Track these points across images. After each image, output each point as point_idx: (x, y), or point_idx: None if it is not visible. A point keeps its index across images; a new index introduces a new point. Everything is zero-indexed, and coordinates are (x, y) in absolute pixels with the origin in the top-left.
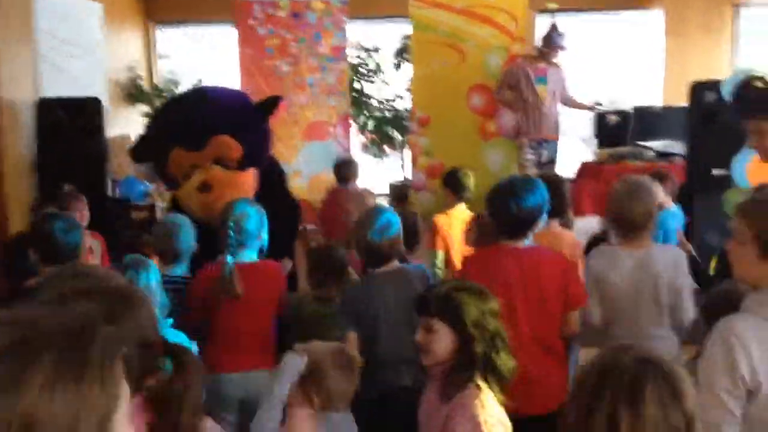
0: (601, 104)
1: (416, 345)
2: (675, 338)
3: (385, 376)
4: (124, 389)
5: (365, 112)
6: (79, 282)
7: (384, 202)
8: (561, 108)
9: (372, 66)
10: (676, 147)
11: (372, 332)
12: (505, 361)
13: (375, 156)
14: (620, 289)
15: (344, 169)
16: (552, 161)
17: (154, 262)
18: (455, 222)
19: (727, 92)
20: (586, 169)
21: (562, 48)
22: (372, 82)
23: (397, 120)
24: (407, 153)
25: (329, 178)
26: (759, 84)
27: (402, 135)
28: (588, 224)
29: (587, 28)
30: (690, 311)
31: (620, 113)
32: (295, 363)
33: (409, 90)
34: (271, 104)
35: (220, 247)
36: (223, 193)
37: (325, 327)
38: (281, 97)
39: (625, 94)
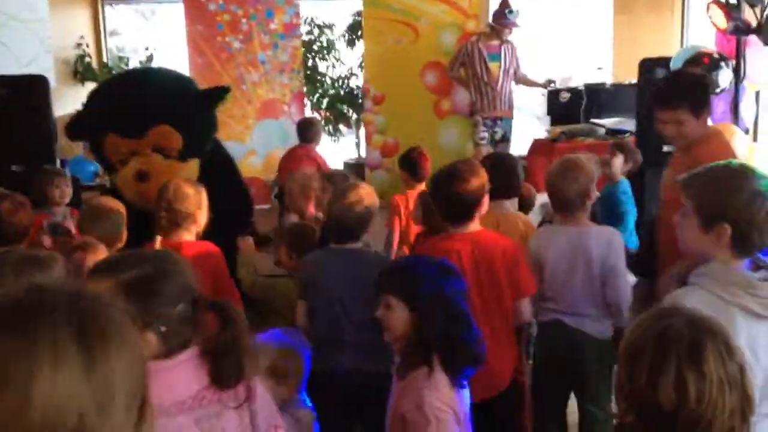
0: (553, 82)
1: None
2: (601, 325)
3: (320, 355)
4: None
5: (319, 90)
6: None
7: None
8: (514, 86)
9: (325, 43)
10: (628, 124)
11: (315, 306)
12: (467, 344)
13: (329, 134)
14: (555, 267)
15: (306, 129)
16: (506, 139)
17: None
18: (413, 202)
19: (676, 68)
20: (538, 146)
21: (514, 25)
22: (325, 59)
23: (352, 98)
24: (362, 131)
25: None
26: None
27: (357, 113)
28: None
29: (539, 6)
30: (624, 291)
31: (572, 91)
32: None
33: (362, 67)
34: (218, 95)
35: (154, 229)
36: (159, 183)
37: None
38: (229, 88)
39: (577, 72)
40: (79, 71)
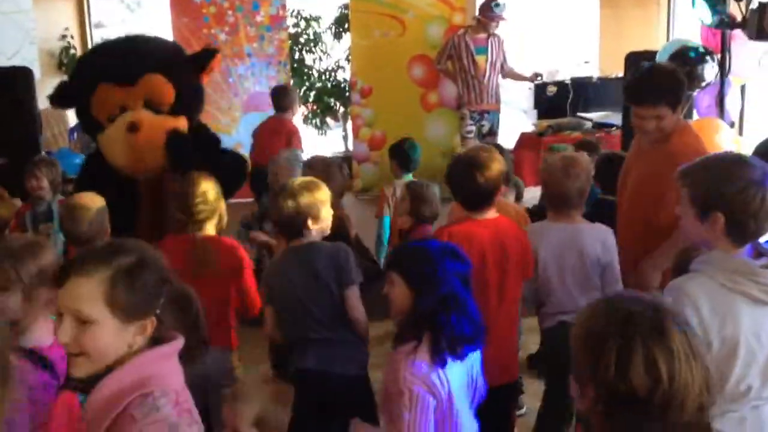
0: (540, 75)
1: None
2: None
3: (292, 356)
4: None
5: (306, 82)
6: None
7: None
8: (501, 80)
9: (311, 36)
10: (614, 117)
11: (280, 309)
12: (454, 326)
13: (317, 128)
14: (546, 263)
15: (279, 97)
16: (492, 132)
17: None
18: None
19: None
20: (525, 140)
21: (501, 18)
22: (312, 52)
23: (339, 91)
24: (349, 124)
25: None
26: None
27: (344, 106)
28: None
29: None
30: (618, 288)
31: (558, 84)
32: None
33: (349, 60)
34: (204, 57)
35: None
36: (153, 135)
37: None
38: (217, 51)
39: (564, 65)
40: (64, 63)
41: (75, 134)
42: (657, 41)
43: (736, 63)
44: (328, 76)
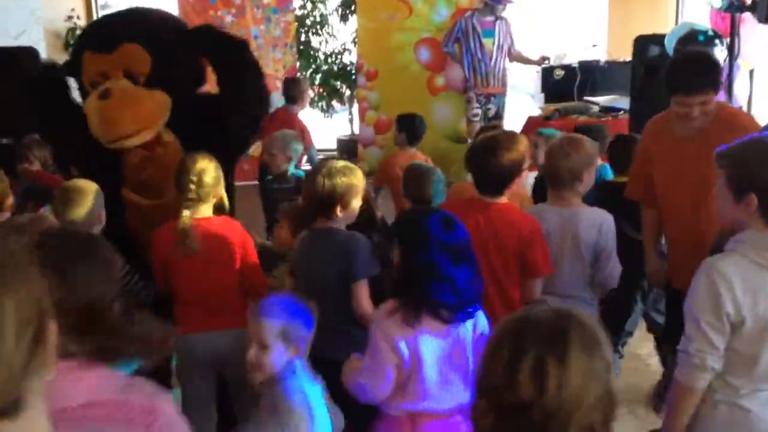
0: (547, 59)
1: None
2: (592, 301)
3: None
4: None
5: (312, 65)
6: None
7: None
8: (508, 63)
9: (318, 18)
10: (622, 101)
11: (301, 287)
12: (425, 293)
13: (322, 111)
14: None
15: (290, 88)
16: (498, 116)
17: None
18: (404, 162)
19: (670, 46)
20: (532, 124)
21: (508, 1)
22: (318, 34)
23: (345, 74)
24: (355, 107)
25: None
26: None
27: (350, 89)
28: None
29: None
30: (612, 275)
31: (566, 68)
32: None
33: (355, 43)
34: (197, 34)
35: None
36: (122, 103)
37: None
38: (215, 26)
39: (571, 49)
40: (70, 44)
41: None
42: (665, 25)
43: (745, 47)
44: (334, 59)
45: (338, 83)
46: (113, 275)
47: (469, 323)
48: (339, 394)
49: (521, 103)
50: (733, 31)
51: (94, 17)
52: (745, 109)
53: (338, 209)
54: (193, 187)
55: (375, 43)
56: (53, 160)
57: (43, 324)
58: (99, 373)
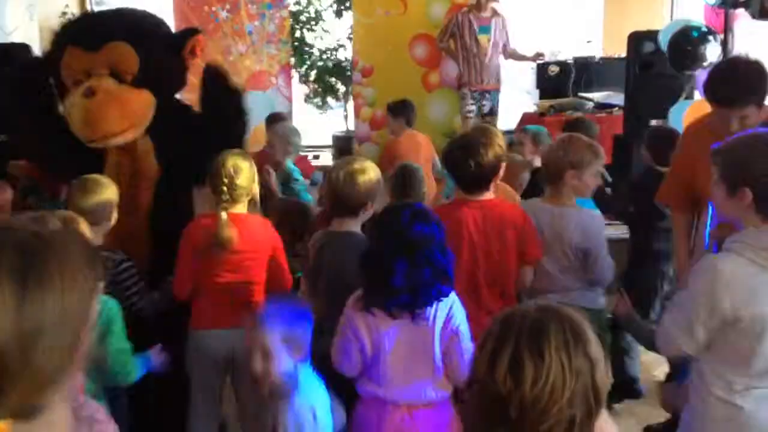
0: (542, 55)
1: None
2: (594, 290)
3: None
4: None
5: (307, 61)
6: None
7: (328, 154)
8: (503, 60)
9: (312, 13)
10: (616, 98)
11: (316, 287)
12: (379, 284)
13: (318, 107)
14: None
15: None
16: (493, 112)
17: None
18: (409, 144)
19: (664, 42)
20: (527, 120)
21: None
22: (313, 30)
23: (340, 70)
24: (351, 104)
25: None
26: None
27: (345, 85)
28: None
29: None
30: (602, 274)
31: (561, 64)
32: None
33: (350, 39)
34: (182, 37)
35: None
36: (107, 101)
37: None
38: (199, 31)
39: (566, 45)
40: None
41: None
42: (660, 21)
43: (739, 43)
44: (329, 55)
45: (333, 79)
46: None
47: (441, 316)
48: (344, 389)
49: (516, 99)
50: (727, 27)
51: None
52: None
53: (362, 211)
54: (225, 188)
55: (370, 39)
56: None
57: (78, 333)
58: None
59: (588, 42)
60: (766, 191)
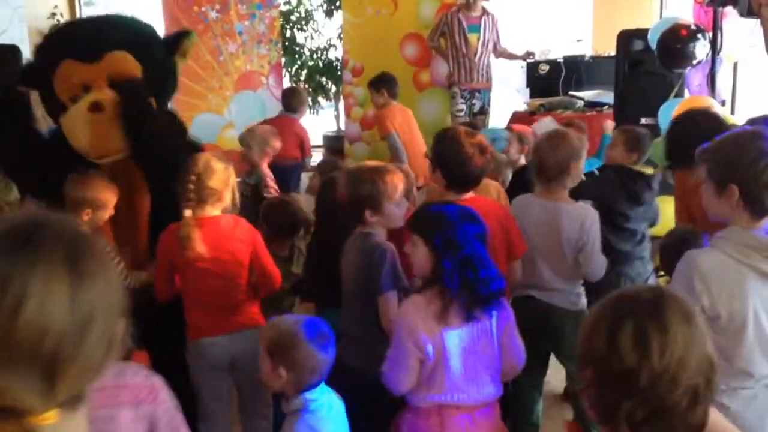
0: (532, 54)
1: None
2: (578, 292)
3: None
4: None
5: (298, 61)
6: None
7: (318, 154)
8: (494, 59)
9: (303, 13)
10: (606, 96)
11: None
12: (475, 284)
13: (309, 107)
14: (528, 238)
15: (289, 98)
16: (484, 111)
17: None
18: (398, 113)
19: (653, 40)
20: (517, 118)
21: None
22: (303, 30)
23: (331, 70)
24: (341, 104)
25: None
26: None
27: (336, 85)
28: None
29: None
30: (595, 270)
31: (551, 63)
32: None
33: (341, 38)
34: (176, 39)
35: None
36: (115, 117)
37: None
38: (191, 33)
39: (556, 44)
40: None
41: None
42: (649, 19)
43: (728, 41)
44: (319, 55)
45: (324, 79)
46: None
47: (494, 316)
48: (354, 399)
49: (506, 98)
50: (716, 25)
51: (78, 15)
52: (728, 103)
53: (368, 214)
54: (192, 186)
55: (360, 39)
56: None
57: (117, 323)
58: None
59: (578, 41)
60: (754, 188)
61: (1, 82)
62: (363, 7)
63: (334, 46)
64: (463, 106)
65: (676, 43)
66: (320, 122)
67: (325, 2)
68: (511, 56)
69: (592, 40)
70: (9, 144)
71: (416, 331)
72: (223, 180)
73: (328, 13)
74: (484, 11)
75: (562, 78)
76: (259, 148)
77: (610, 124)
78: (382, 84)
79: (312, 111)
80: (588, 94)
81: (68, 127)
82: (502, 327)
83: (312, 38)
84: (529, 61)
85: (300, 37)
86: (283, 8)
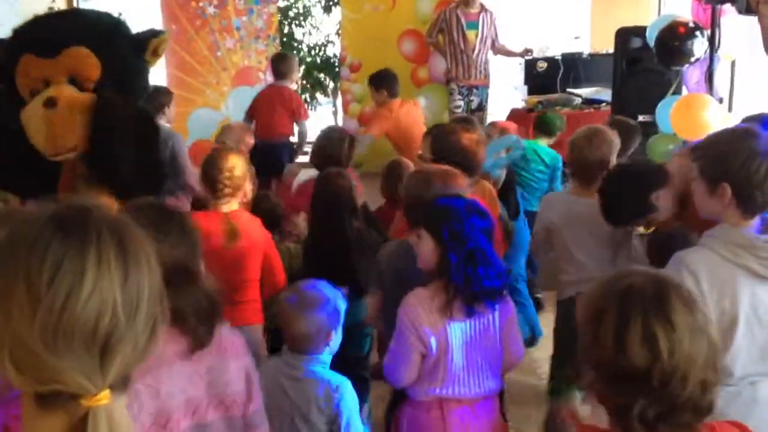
0: (530, 51)
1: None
2: None
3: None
4: None
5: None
6: None
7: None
8: (492, 55)
9: (301, 9)
10: (604, 93)
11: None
12: (479, 279)
13: (306, 103)
14: (566, 236)
15: (279, 63)
16: (481, 108)
17: None
18: (401, 111)
19: (652, 38)
20: (515, 115)
21: None
22: (301, 26)
23: (329, 66)
24: (339, 100)
25: None
26: None
27: (334, 81)
28: None
29: None
30: (632, 261)
31: (549, 60)
32: None
33: (339, 34)
34: (144, 38)
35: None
36: (70, 113)
37: None
38: (162, 32)
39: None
40: None
41: None
42: (648, 17)
43: (726, 39)
44: (317, 51)
45: (322, 75)
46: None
47: (496, 310)
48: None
49: (504, 95)
50: (714, 23)
51: None
52: (726, 100)
53: None
54: (227, 182)
55: (359, 35)
56: None
57: (163, 305)
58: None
59: (576, 38)
60: (746, 187)
61: None
62: (361, 4)
63: (332, 42)
64: (461, 103)
65: (674, 40)
66: (318, 119)
67: None
68: (509, 53)
69: (590, 38)
70: None
71: (420, 325)
72: (245, 172)
73: (326, 9)
74: (483, 8)
75: (560, 75)
76: (235, 145)
77: None
78: (383, 83)
79: (310, 107)
80: (586, 92)
81: (26, 123)
82: (503, 322)
83: (310, 34)
84: (527, 58)
85: (298, 33)
86: (281, 4)
